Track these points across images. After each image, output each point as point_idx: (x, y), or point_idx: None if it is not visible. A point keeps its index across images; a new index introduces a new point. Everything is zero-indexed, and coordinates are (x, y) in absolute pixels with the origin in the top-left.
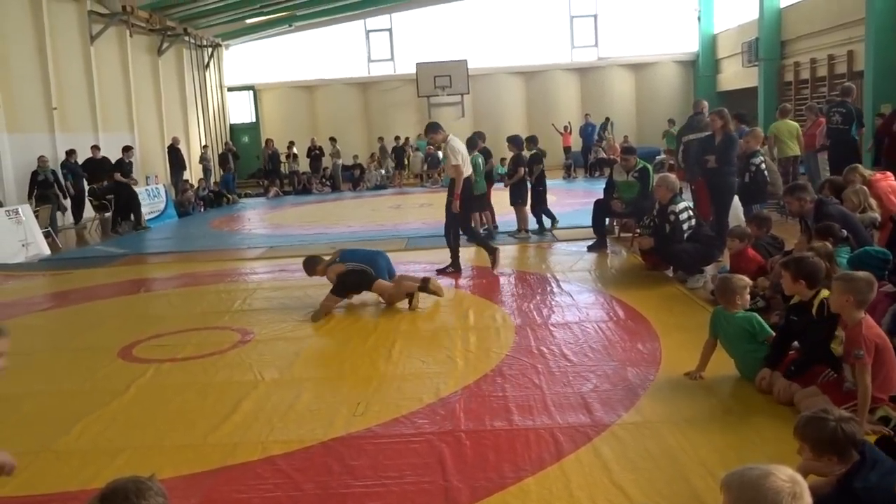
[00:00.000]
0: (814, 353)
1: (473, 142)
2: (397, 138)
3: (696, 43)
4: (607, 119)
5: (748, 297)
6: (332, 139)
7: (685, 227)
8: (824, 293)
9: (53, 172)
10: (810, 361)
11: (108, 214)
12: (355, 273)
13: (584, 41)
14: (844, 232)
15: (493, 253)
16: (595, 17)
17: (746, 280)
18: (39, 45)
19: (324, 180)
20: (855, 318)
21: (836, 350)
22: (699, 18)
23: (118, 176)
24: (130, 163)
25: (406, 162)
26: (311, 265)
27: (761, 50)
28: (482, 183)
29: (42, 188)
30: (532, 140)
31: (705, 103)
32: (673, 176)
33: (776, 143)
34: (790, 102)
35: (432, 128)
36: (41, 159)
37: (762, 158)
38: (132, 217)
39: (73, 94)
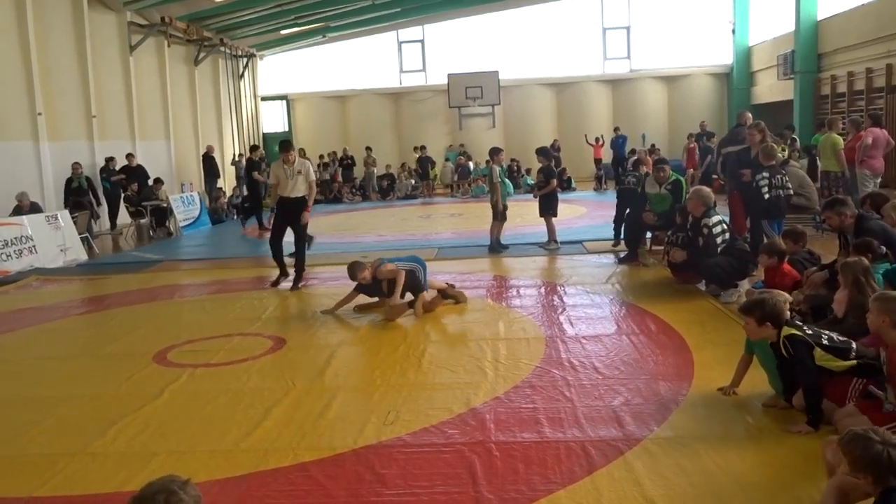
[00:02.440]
0: (812, 386)
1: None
2: (423, 148)
3: (731, 55)
4: (643, 137)
5: (787, 313)
6: (368, 148)
7: (719, 240)
8: (785, 330)
9: (88, 179)
10: (814, 397)
11: (143, 221)
12: (410, 275)
13: (617, 53)
14: (883, 248)
15: (287, 273)
16: (628, 28)
17: (785, 296)
18: (80, 55)
19: (354, 189)
20: (894, 339)
21: (834, 365)
22: (734, 30)
23: (256, 175)
24: (261, 161)
25: (436, 173)
26: (356, 270)
27: (797, 62)
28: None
29: (76, 195)
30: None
31: (748, 115)
32: (707, 189)
33: (821, 156)
34: (827, 116)
35: (287, 146)
36: (75, 166)
37: (766, 175)
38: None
39: (111, 103)
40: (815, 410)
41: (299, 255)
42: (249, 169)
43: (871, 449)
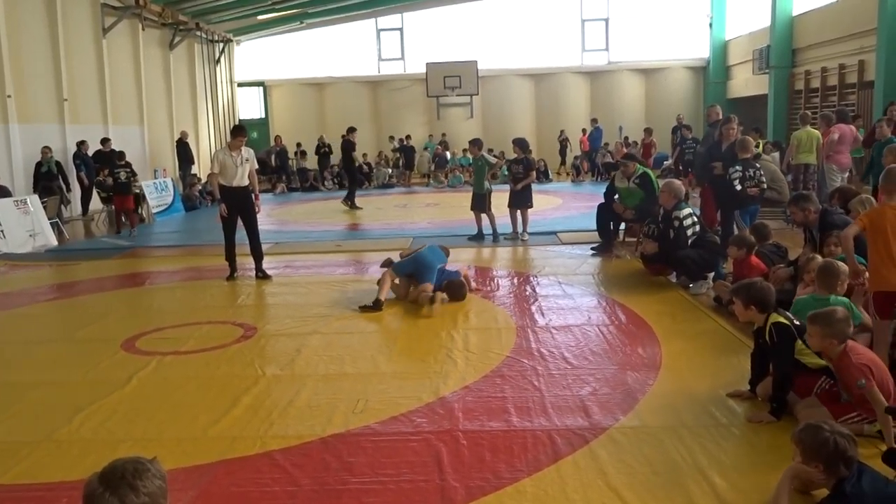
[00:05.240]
0: (785, 376)
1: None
2: (408, 137)
3: (707, 49)
4: (620, 128)
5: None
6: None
7: (689, 233)
8: (773, 317)
9: (58, 164)
10: (784, 387)
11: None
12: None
13: (595, 45)
14: None
15: (236, 269)
16: (606, 21)
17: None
18: (52, 36)
19: (333, 179)
20: (837, 352)
21: (810, 361)
22: (711, 24)
23: (355, 154)
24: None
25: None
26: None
27: (772, 58)
28: (484, 183)
29: (45, 179)
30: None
31: (718, 110)
32: (678, 182)
33: (796, 150)
34: (800, 111)
35: (242, 131)
36: (44, 150)
37: (739, 168)
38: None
39: (84, 86)
40: (781, 401)
41: (256, 243)
42: (347, 149)
43: (819, 436)
